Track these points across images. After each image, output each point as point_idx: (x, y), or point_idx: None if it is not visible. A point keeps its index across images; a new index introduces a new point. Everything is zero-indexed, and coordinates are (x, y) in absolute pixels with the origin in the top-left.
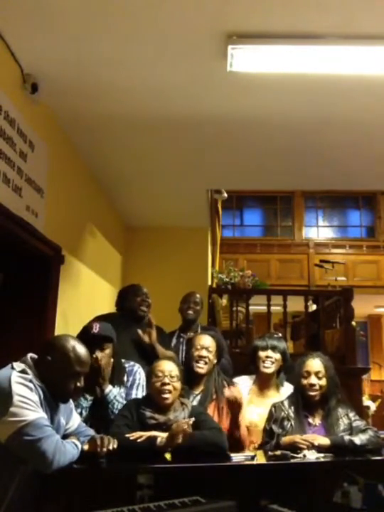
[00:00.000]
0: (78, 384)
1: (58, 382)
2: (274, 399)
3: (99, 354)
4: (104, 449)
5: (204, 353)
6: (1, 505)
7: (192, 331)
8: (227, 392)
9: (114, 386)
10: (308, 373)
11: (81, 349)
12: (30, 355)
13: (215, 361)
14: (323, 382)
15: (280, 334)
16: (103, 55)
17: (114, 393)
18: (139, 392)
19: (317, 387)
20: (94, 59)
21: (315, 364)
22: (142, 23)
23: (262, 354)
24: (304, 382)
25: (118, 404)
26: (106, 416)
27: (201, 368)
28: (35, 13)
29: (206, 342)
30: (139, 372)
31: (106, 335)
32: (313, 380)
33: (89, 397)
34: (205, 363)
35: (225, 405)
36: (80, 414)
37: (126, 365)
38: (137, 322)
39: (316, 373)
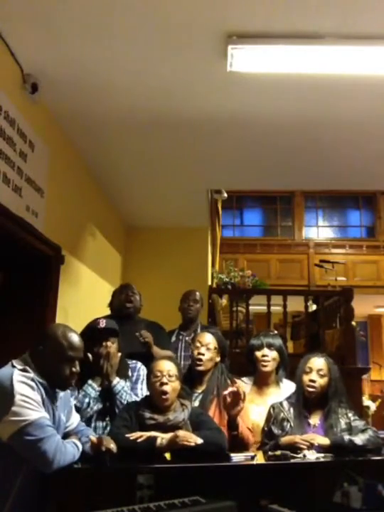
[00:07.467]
0: (74, 369)
1: (53, 369)
2: (274, 396)
3: (107, 343)
4: (103, 448)
5: (202, 350)
6: (5, 504)
7: (192, 329)
8: (229, 388)
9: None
10: (311, 369)
11: (72, 335)
12: (28, 352)
13: (218, 359)
14: (324, 381)
15: (276, 331)
16: (103, 54)
17: (122, 385)
18: (144, 387)
19: (316, 384)
20: (94, 59)
21: (319, 362)
22: (142, 24)
23: (258, 354)
24: (305, 377)
25: (126, 396)
26: (113, 407)
27: (199, 366)
28: (35, 14)
29: (206, 339)
30: (143, 369)
31: (112, 328)
32: (313, 376)
33: (97, 388)
34: (202, 361)
35: (220, 404)
36: (88, 404)
37: (130, 363)
38: (125, 319)
39: (318, 371)
